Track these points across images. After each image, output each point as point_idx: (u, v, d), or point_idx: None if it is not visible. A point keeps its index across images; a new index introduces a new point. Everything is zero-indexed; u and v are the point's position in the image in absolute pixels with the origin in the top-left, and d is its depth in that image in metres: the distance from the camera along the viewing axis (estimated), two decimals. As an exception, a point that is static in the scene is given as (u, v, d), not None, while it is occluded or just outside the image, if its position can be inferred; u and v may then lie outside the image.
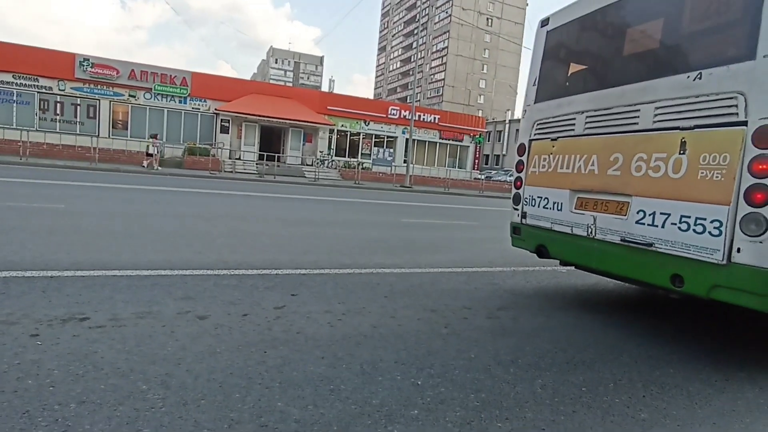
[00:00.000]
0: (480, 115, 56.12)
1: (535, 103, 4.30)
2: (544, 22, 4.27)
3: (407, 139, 27.85)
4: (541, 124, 4.16)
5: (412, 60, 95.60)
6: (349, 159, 28.17)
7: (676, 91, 2.91)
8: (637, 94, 3.19)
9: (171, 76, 24.64)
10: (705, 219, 2.65)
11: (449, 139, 33.22)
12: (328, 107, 27.97)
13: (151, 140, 19.65)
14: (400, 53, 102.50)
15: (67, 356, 2.19)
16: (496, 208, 16.21)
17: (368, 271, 4.58)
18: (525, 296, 4.24)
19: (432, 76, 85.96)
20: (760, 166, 2.41)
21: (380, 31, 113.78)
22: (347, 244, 6.08)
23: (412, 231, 7.98)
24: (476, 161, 35.52)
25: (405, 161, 25.64)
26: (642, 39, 3.49)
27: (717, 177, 2.60)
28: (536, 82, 4.32)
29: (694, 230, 2.71)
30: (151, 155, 19.22)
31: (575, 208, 3.70)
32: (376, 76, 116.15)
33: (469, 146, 34.43)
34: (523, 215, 4.33)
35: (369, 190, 18.92)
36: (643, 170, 3.08)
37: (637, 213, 3.11)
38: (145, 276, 3.68)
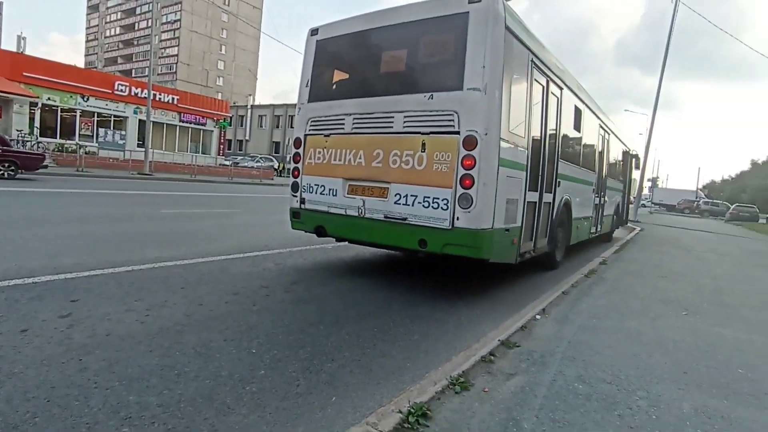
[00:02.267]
0: (220, 97, 53.89)
1: (308, 102, 4.91)
2: (314, 32, 4.90)
3: (141, 120, 24.57)
4: (314, 121, 4.80)
5: (137, 28, 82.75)
6: (63, 141, 22.67)
7: (417, 105, 4.01)
8: (391, 104, 4.18)
9: None
10: (438, 198, 3.83)
11: (191, 123, 30.83)
12: (25, 74, 21.58)
13: None
14: (120, 17, 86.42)
15: None
16: (251, 194, 16.41)
17: (149, 266, 4.32)
18: (308, 271, 4.87)
19: (163, 51, 76.46)
20: (467, 162, 3.69)
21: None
22: (108, 241, 5.37)
23: (177, 222, 7.54)
24: (221, 147, 34.25)
25: (140, 145, 22.55)
26: (393, 62, 4.55)
27: (444, 169, 3.80)
28: (308, 84, 4.93)
29: (432, 207, 3.87)
30: None
31: (348, 194, 4.52)
32: (88, 41, 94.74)
33: (213, 131, 32.80)
34: (302, 201, 4.91)
35: (101, 179, 15.97)
36: (398, 163, 4.10)
37: (395, 196, 4.12)
38: None
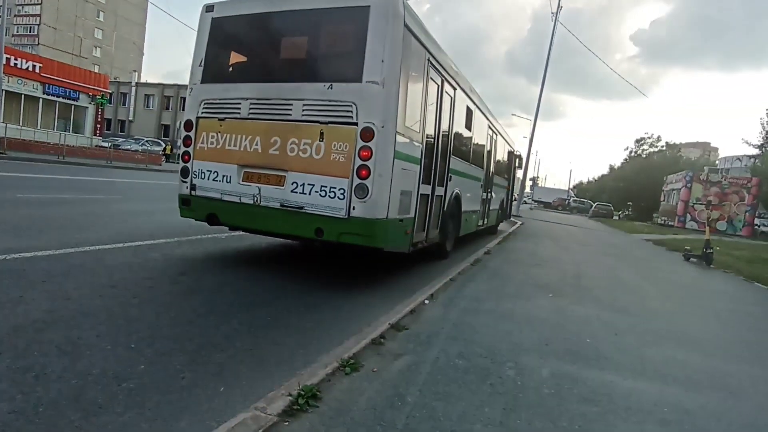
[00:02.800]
0: (97, 70, 47.66)
1: (201, 83, 4.60)
2: (209, 8, 4.60)
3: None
4: (208, 103, 4.52)
5: (-16, -23, 69.27)
6: None
7: (317, 94, 3.99)
8: (291, 91, 4.11)
9: None
10: (335, 188, 3.87)
11: (59, 96, 26.87)
12: None
13: None
14: (-42, -40, 71.54)
15: None
16: (134, 180, 14.89)
17: (-1, 258, 3.72)
18: (199, 261, 4.61)
19: (20, 8, 65.13)
20: (364, 153, 3.78)
21: None
22: (-58, 228, 4.51)
23: (39, 208, 6.56)
24: (98, 126, 30.43)
25: (-10, 118, 19.09)
26: (294, 48, 4.46)
27: (342, 159, 3.84)
28: (202, 63, 4.62)
29: (329, 196, 3.89)
30: None
31: (243, 181, 4.35)
32: None
33: (87, 107, 28.98)
34: (193, 187, 4.61)
35: (-70, 154, 13.22)
36: (296, 151, 4.05)
37: (292, 184, 4.07)
38: None
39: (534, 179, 64.72)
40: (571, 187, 78.91)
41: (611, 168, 56.84)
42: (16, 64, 23.69)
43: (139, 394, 1.95)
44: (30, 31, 65.32)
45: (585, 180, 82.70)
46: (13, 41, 59.27)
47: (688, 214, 25.96)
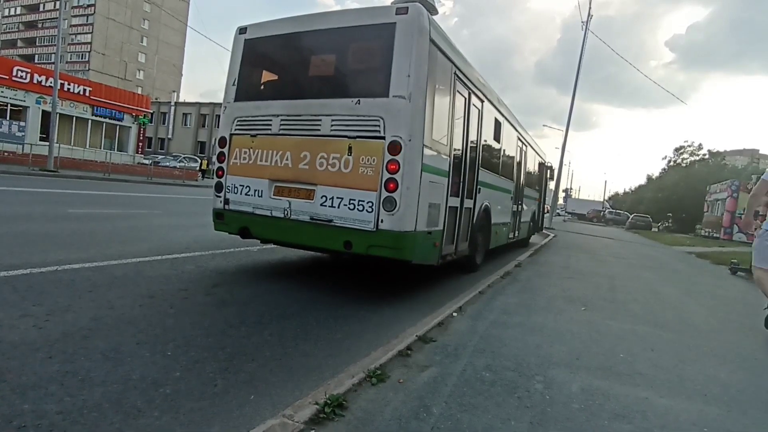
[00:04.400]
0: (140, 92, 50.27)
1: (235, 101, 4.81)
2: (242, 30, 4.83)
3: (45, 112, 22.28)
4: (241, 120, 4.72)
5: (42, 9, 74.80)
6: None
7: (345, 109, 4.10)
8: (319, 107, 4.24)
9: None
10: (363, 201, 3.94)
11: (105, 117, 28.50)
12: None
13: None
14: (20, -6, 77.56)
15: None
16: (172, 195, 15.52)
17: (51, 269, 3.97)
18: (231, 274, 4.75)
19: (73, 37, 69.71)
20: (392, 166, 3.84)
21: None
22: (1, 242, 4.85)
23: (87, 222, 6.95)
24: (140, 144, 32.02)
25: (44, 138, 20.42)
26: (322, 65, 4.61)
27: (370, 173, 3.91)
28: (235, 83, 4.84)
29: (357, 209, 3.96)
30: None
31: (274, 195, 4.49)
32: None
33: (131, 127, 30.59)
34: (226, 201, 4.79)
35: (-9, 173, 14.24)
36: (325, 166, 4.15)
37: (321, 198, 4.17)
38: None
39: (567, 191, 63.20)
40: (606, 198, 76.53)
41: (649, 178, 54.87)
42: (69, 89, 25.40)
43: (175, 399, 2.04)
44: (82, 58, 69.78)
45: (621, 191, 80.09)
46: (67, 67, 63.48)
47: (735, 226, 24.61)
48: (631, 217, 41.16)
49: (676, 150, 47.95)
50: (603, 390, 2.43)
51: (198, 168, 32.05)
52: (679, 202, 37.69)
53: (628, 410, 2.22)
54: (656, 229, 39.73)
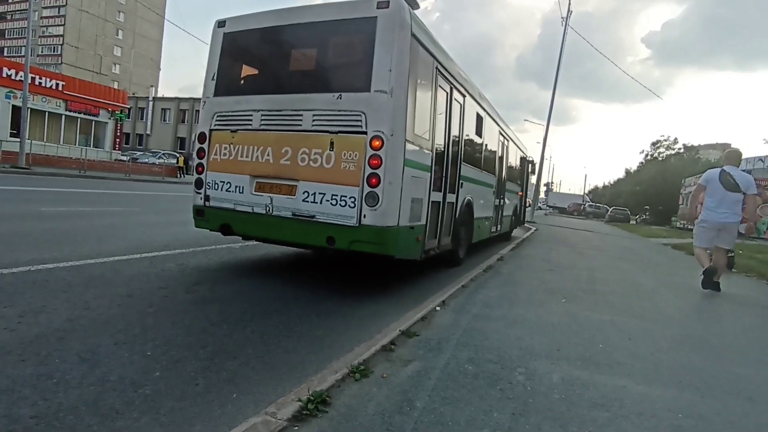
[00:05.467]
0: (116, 87, 48.98)
1: (214, 96, 4.73)
2: (221, 24, 4.73)
3: (15, 107, 21.54)
4: (221, 116, 4.64)
5: (11, 0, 72.12)
6: None
7: (326, 104, 4.06)
8: (301, 102, 4.19)
9: None
10: (346, 196, 3.92)
11: (80, 112, 27.72)
12: None
13: None
14: (-17, -16, 74.45)
15: None
16: (151, 192, 15.22)
17: (23, 269, 3.85)
18: (213, 271, 4.69)
19: (44, 29, 67.42)
20: (374, 161, 3.82)
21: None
22: (-31, 242, 4.68)
23: (61, 221, 6.76)
24: (117, 140, 31.27)
25: (15, 135, 19.74)
26: (303, 60, 4.56)
27: (352, 168, 3.89)
28: (215, 77, 4.75)
29: (340, 204, 3.94)
30: None
31: (255, 191, 4.43)
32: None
33: (107, 123, 29.85)
34: (206, 198, 4.71)
35: (-41, 171, 13.72)
36: (306, 161, 4.12)
37: (303, 193, 4.13)
38: None
39: (548, 185, 64.12)
40: (586, 192, 77.92)
41: (627, 172, 56.01)
42: (40, 83, 24.60)
43: (155, 400, 2.00)
44: (54, 51, 67.65)
45: (600, 185, 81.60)
46: (38, 61, 61.41)
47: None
48: (610, 210, 42.03)
49: (653, 144, 49.07)
50: (582, 380, 2.48)
51: (176, 164, 31.25)
52: (656, 195, 38.61)
53: (607, 399, 2.27)
54: (634, 222, 40.66)
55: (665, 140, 47.93)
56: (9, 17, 72.53)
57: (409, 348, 2.74)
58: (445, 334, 3.07)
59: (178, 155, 36.42)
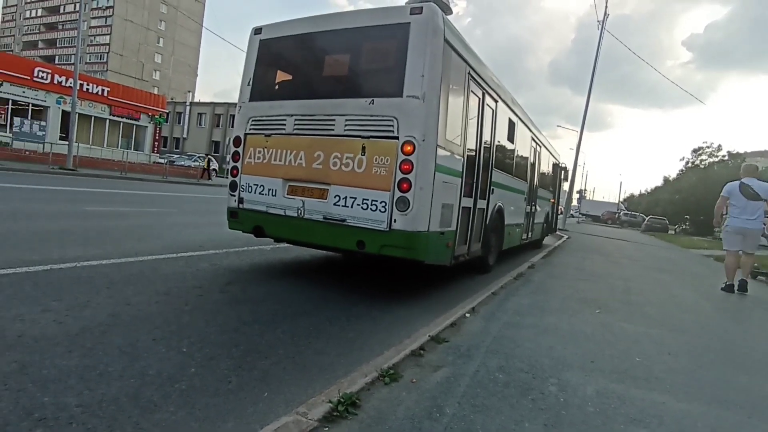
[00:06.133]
0: (156, 92, 51.02)
1: (249, 101, 4.86)
2: (257, 31, 4.87)
3: (65, 112, 22.74)
4: (255, 120, 4.76)
5: (62, 11, 76.36)
6: (-31, 129, 20.45)
7: (358, 109, 4.11)
8: (333, 107, 4.25)
9: None
10: (377, 201, 3.94)
11: (122, 117, 29.01)
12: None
13: None
14: (41, -2, 79.22)
15: None
16: (187, 194, 15.73)
17: (70, 265, 4.05)
18: (245, 272, 4.80)
19: (92, 38, 71.05)
20: (405, 166, 3.83)
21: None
22: (22, 238, 4.96)
23: (104, 220, 7.08)
24: (156, 144, 32.52)
25: (64, 138, 20.85)
26: (336, 65, 4.63)
27: (383, 173, 3.92)
28: (250, 83, 4.88)
29: (371, 209, 3.97)
30: None
31: (287, 194, 4.51)
32: (3, 21, 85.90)
33: (147, 126, 31.11)
34: (240, 200, 4.83)
35: (14, 172, 14.57)
36: (338, 165, 4.17)
37: (334, 197, 4.18)
38: None
39: (581, 192, 62.44)
40: (621, 199, 75.45)
41: (666, 180, 53.89)
42: (88, 89, 25.91)
43: (190, 395, 2.07)
44: (100, 59, 71.16)
45: (636, 192, 78.84)
46: (86, 68, 64.73)
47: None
48: (646, 219, 40.50)
49: (694, 151, 46.95)
50: (618, 393, 2.40)
51: (203, 166, 27.45)
52: (696, 204, 36.89)
53: (644, 414, 2.19)
54: (673, 232, 39.03)
55: (708, 147, 45.81)
56: (60, 27, 76.80)
57: (438, 354, 2.72)
58: (475, 341, 3.03)
59: (212, 158, 37.11)
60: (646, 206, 54.87)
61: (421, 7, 4.00)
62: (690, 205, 38.26)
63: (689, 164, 47.07)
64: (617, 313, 4.39)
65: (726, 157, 43.87)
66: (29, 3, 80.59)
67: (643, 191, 72.67)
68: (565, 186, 18.80)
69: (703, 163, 45.30)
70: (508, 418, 2.00)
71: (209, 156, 29.05)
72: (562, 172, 13.86)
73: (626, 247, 15.11)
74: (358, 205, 4.04)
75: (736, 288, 6.40)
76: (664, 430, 2.06)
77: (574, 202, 48.34)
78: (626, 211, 53.80)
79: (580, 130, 22.98)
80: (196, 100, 60.84)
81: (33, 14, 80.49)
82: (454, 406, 2.06)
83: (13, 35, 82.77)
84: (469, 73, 4.85)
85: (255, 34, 4.90)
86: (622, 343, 3.38)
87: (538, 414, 2.07)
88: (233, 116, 5.03)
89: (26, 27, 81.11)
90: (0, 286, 3.24)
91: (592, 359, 2.91)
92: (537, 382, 2.45)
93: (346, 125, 4.16)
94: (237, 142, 4.88)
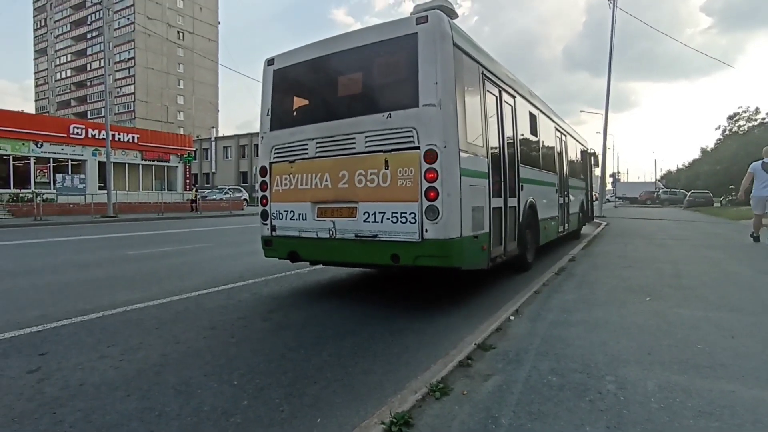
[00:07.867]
0: (182, 132, 53.17)
1: (270, 130, 4.98)
2: (270, 62, 5.01)
3: (101, 162, 23.96)
4: (278, 148, 4.87)
5: (89, 69, 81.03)
6: (17, 190, 21.83)
7: (377, 125, 4.14)
8: (352, 126, 4.30)
9: None
10: (406, 212, 3.94)
11: (153, 160, 30.29)
12: (-29, 124, 20.92)
13: None
14: (70, 59, 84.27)
15: None
16: (221, 227, 16.18)
17: (120, 310, 4.23)
18: (285, 298, 4.87)
19: (119, 90, 74.99)
20: (430, 175, 3.82)
21: (35, 29, 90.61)
22: (74, 289, 5.22)
23: (146, 262, 7.38)
24: (187, 181, 33.71)
25: (102, 187, 21.96)
26: (351, 85, 4.69)
27: (409, 184, 3.92)
28: (269, 113, 5.01)
29: (401, 221, 3.97)
30: None
31: (317, 217, 4.58)
32: (37, 85, 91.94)
33: (177, 166, 32.31)
34: (273, 228, 4.93)
35: (62, 225, 15.43)
36: (364, 182, 4.20)
37: (364, 214, 4.21)
38: None
39: (614, 175, 60.43)
40: (658, 177, 72.51)
41: (703, 151, 51.50)
42: (119, 138, 27.22)
43: (246, 427, 2.10)
44: (128, 108, 74.90)
45: (674, 168, 75.60)
46: (115, 119, 68.24)
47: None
48: (688, 194, 38.73)
49: (730, 117, 44.82)
50: (682, 386, 2.27)
51: (191, 198, 26.88)
52: (740, 173, 34.95)
53: (714, 406, 2.06)
54: (718, 204, 37.10)
55: (744, 112, 43.62)
56: (88, 84, 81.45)
57: (486, 362, 2.67)
58: (523, 345, 2.95)
59: (241, 189, 38.30)
60: (686, 181, 52.53)
61: (427, 16, 4.02)
62: (733, 174, 36.38)
63: (726, 132, 44.90)
64: (670, 299, 4.19)
65: (766, 120, 41.57)
66: (58, 66, 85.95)
67: (680, 166, 69.74)
68: (597, 171, 18.25)
69: (741, 129, 43.12)
70: (567, 424, 1.93)
71: (196, 187, 30.14)
72: (592, 158, 13.47)
73: (669, 226, 14.46)
74: (388, 219, 4.04)
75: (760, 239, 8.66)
76: (738, 421, 1.93)
77: (609, 186, 46.80)
78: (665, 189, 51.62)
79: (604, 113, 22.34)
80: (220, 134, 62.87)
81: (63, 75, 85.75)
82: (510, 416, 2.00)
83: (47, 97, 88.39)
84: (482, 73, 4.82)
85: (268, 65, 5.04)
86: (680, 330, 3.21)
87: (598, 416, 1.99)
88: (257, 146, 5.19)
89: (58, 88, 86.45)
90: (59, 337, 3.41)
91: (648, 351, 2.78)
92: (593, 381, 2.35)
93: (366, 142, 4.19)
94: (263, 171, 5.00)
